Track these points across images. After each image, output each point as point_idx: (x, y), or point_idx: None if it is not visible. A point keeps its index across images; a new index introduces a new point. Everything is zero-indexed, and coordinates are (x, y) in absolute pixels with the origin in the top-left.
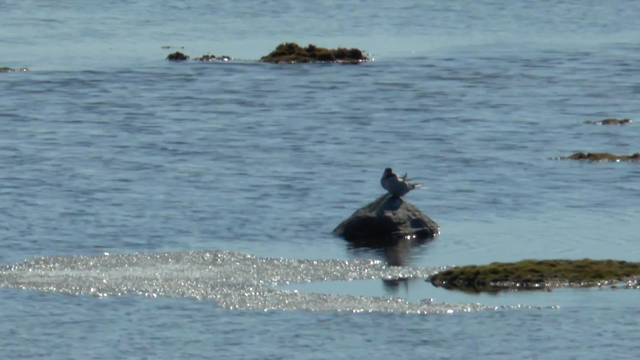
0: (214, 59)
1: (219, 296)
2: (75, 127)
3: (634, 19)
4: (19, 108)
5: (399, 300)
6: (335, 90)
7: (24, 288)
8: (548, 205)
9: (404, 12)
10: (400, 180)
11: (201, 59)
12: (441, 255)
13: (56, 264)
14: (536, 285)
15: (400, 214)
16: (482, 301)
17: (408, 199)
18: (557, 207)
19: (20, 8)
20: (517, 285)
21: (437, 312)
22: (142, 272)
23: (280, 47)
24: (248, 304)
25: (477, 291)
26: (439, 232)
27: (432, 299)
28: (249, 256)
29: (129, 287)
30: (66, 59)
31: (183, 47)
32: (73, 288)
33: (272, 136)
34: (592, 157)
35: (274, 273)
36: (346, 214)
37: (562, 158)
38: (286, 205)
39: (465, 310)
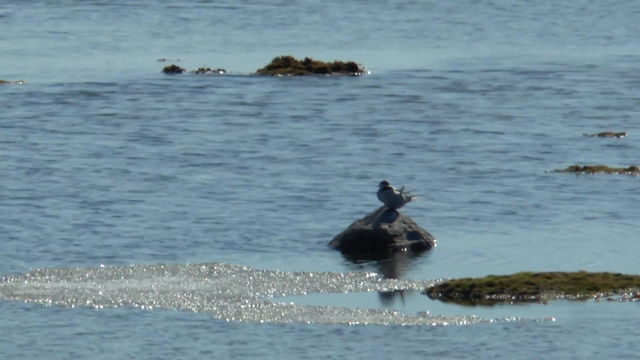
0: (209, 71)
1: (215, 308)
2: (85, 139)
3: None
4: (27, 120)
5: (395, 312)
6: (343, 103)
7: (19, 300)
8: (551, 218)
9: (407, 24)
10: (397, 192)
11: (197, 72)
12: (437, 267)
13: (52, 276)
14: (532, 297)
15: (397, 226)
16: (478, 313)
17: (406, 210)
18: (561, 218)
19: (15, 22)
20: (513, 297)
21: (434, 324)
22: (139, 285)
23: (276, 59)
24: (244, 316)
25: (473, 304)
26: (435, 245)
27: (428, 312)
28: (245, 268)
29: (125, 300)
30: (62, 72)
31: (179, 60)
32: (69, 300)
33: (282, 147)
34: (588, 169)
35: (270, 285)
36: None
37: (557, 171)
38: (293, 217)
39: (461, 322)
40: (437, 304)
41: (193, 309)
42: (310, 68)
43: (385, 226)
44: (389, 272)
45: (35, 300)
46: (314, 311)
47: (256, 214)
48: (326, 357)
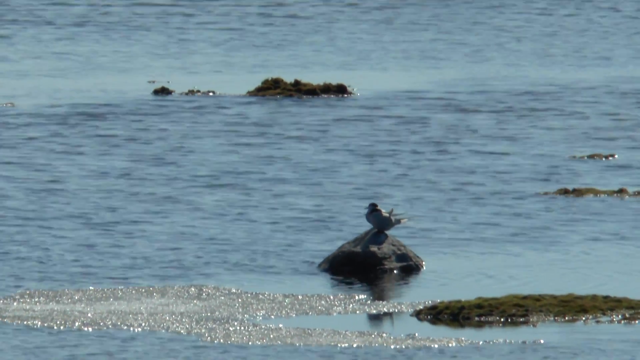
0: (199, 93)
1: (203, 330)
2: (85, 160)
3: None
4: (29, 141)
5: (384, 334)
6: (344, 124)
7: (8, 322)
8: (543, 239)
9: (405, 45)
10: (386, 214)
11: (187, 94)
12: (426, 289)
13: (41, 298)
14: (521, 319)
15: (385, 248)
16: (467, 336)
17: (394, 231)
18: (554, 239)
19: (16, 42)
20: (502, 320)
21: (422, 346)
22: (128, 307)
23: (266, 81)
24: (233, 339)
25: (462, 326)
26: (424, 267)
27: (417, 334)
28: (234, 290)
29: (113, 322)
30: (53, 93)
31: (168, 82)
32: (58, 322)
33: (284, 169)
34: (577, 192)
35: (259, 307)
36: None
37: (546, 193)
38: (294, 238)
39: (450, 345)
40: (426, 326)
41: (182, 331)
42: (299, 90)
43: (374, 248)
44: (378, 295)
45: (25, 322)
46: (303, 333)
47: (258, 235)
48: None
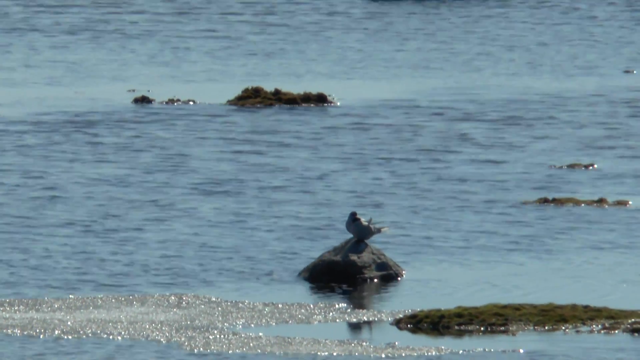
0: (179, 102)
1: (183, 339)
2: (78, 167)
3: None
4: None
5: (364, 343)
6: (335, 132)
7: None
8: (515, 250)
9: (394, 54)
10: (366, 224)
11: (167, 103)
12: (406, 298)
13: (21, 306)
14: (501, 328)
15: (365, 257)
16: (447, 344)
17: (373, 241)
18: (522, 251)
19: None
20: (482, 328)
21: (402, 355)
22: (107, 315)
23: (246, 90)
24: (212, 347)
25: (441, 334)
26: (405, 276)
27: (397, 343)
28: (213, 299)
29: (93, 330)
30: (36, 101)
31: (149, 91)
32: (37, 331)
33: (277, 177)
34: (557, 201)
35: (239, 316)
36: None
37: (525, 203)
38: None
39: (429, 353)
40: (406, 335)
41: (162, 340)
42: (280, 99)
43: (354, 257)
44: (358, 303)
45: (4, 331)
46: (283, 342)
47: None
48: None
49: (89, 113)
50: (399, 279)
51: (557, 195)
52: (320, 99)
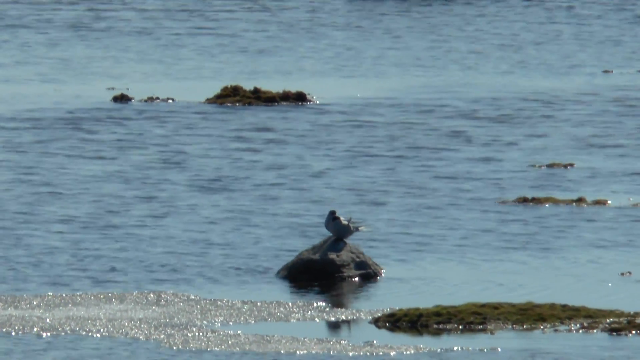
0: (158, 100)
1: (162, 336)
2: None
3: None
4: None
5: (342, 342)
6: (326, 130)
7: None
8: (491, 248)
9: (384, 51)
10: (345, 223)
11: (146, 100)
12: (384, 297)
13: None
14: (479, 327)
15: (344, 256)
16: (425, 343)
17: (354, 239)
18: (496, 249)
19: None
20: (460, 327)
21: (380, 353)
22: (86, 312)
23: (225, 88)
24: (191, 345)
25: (420, 333)
26: (383, 274)
27: (375, 341)
28: (192, 297)
29: (72, 327)
30: (22, 97)
31: (128, 89)
32: (16, 327)
33: (270, 174)
34: (536, 201)
35: (218, 314)
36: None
37: (503, 202)
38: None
39: (408, 352)
40: (385, 333)
41: (140, 337)
42: (259, 97)
43: (333, 256)
44: (337, 302)
45: None
46: (262, 340)
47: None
48: None
49: (68, 111)
50: (378, 277)
51: (536, 195)
52: (299, 98)
